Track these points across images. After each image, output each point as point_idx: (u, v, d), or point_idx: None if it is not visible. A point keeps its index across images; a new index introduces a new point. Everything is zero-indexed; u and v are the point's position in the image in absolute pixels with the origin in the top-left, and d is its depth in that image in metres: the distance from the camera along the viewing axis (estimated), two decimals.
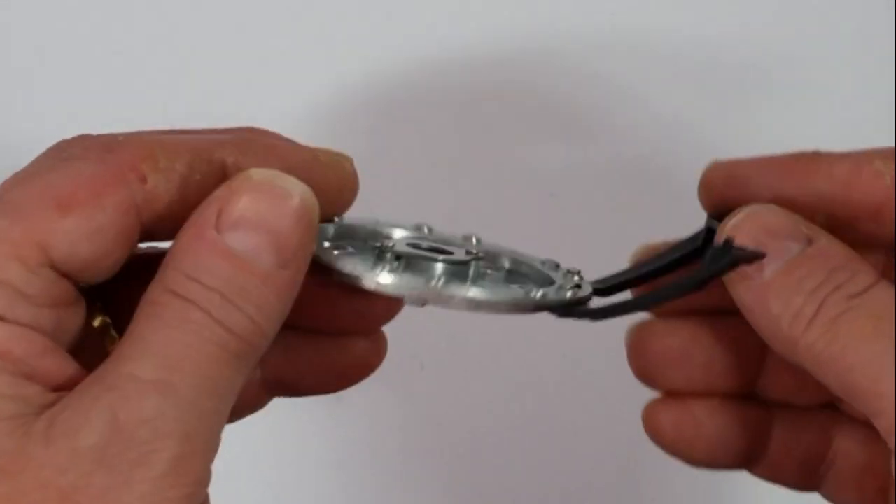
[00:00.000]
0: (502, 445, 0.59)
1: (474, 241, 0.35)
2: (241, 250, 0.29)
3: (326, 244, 0.32)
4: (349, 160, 0.34)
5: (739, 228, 0.33)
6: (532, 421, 0.58)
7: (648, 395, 0.37)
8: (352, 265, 0.31)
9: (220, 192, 0.30)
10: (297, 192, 0.30)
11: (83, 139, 0.31)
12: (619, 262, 0.37)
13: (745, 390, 0.37)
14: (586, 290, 0.34)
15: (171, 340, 0.28)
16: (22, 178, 0.30)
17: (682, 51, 0.56)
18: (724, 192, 0.35)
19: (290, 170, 0.31)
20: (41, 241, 0.29)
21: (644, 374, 0.37)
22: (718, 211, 0.35)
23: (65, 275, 0.30)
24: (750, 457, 0.37)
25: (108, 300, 0.34)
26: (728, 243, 0.33)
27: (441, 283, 0.31)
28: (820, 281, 0.32)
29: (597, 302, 0.35)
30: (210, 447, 0.28)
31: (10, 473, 0.27)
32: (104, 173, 0.30)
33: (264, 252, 0.29)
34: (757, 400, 0.36)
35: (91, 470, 0.27)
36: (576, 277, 0.35)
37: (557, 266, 0.36)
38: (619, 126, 0.55)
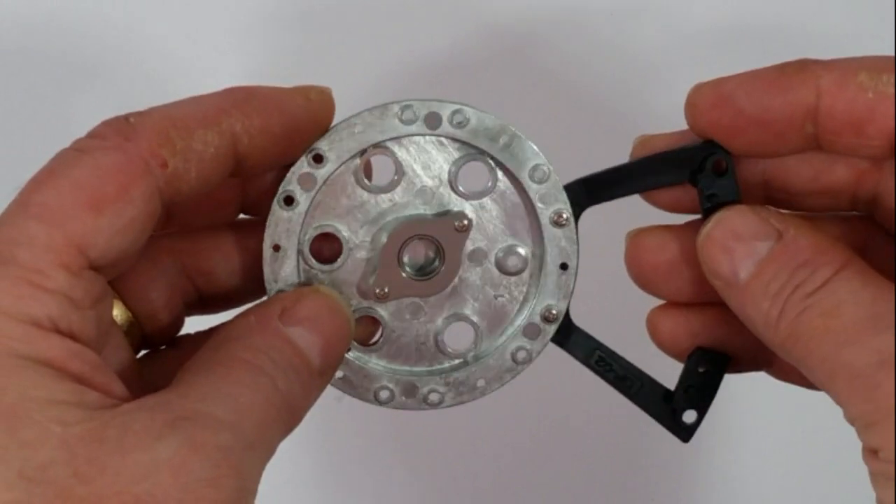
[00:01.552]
0: (502, 444, 0.61)
1: (457, 117, 0.37)
2: (299, 342, 0.33)
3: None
4: (330, 90, 0.36)
5: (710, 236, 0.34)
6: (533, 420, 0.59)
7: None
8: (357, 393, 0.38)
9: (287, 294, 0.35)
10: (348, 313, 0.35)
11: (96, 127, 0.32)
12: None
13: None
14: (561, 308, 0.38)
15: (242, 394, 0.31)
16: (46, 178, 0.30)
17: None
18: (710, 112, 0.35)
19: (291, 117, 0.34)
20: (80, 244, 0.30)
21: (640, 283, 0.38)
22: (707, 132, 0.35)
23: (99, 271, 0.31)
24: (756, 363, 0.38)
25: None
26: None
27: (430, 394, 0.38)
28: (783, 282, 0.32)
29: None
30: (256, 488, 0.30)
31: (87, 478, 0.28)
32: (128, 164, 0.31)
33: (315, 352, 0.33)
34: None
35: (167, 481, 0.28)
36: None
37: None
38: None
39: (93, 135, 0.32)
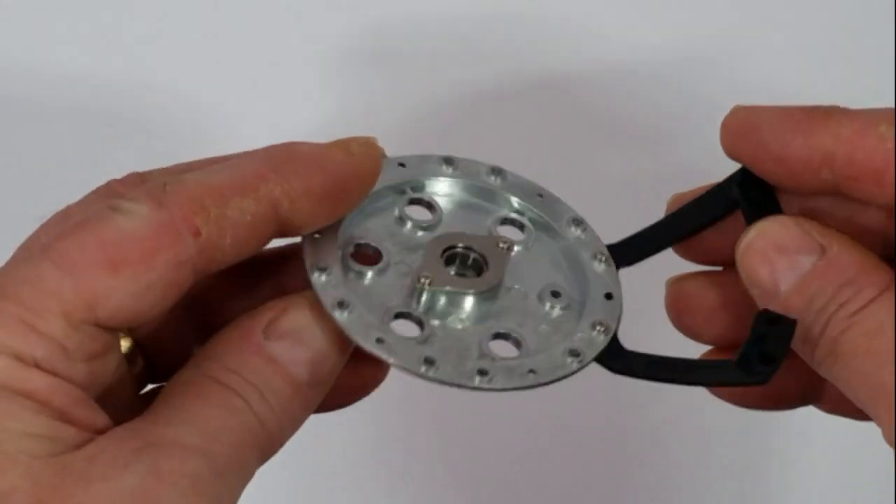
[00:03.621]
0: (505, 445, 0.60)
1: (497, 180, 0.38)
2: (282, 359, 0.32)
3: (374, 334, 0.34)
4: (375, 140, 0.35)
5: (751, 246, 0.34)
6: (535, 420, 0.59)
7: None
8: (398, 358, 0.33)
9: (275, 304, 0.33)
10: (342, 320, 0.33)
11: (131, 184, 0.32)
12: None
13: None
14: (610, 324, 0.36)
15: (213, 417, 0.30)
16: (74, 229, 0.31)
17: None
18: (737, 137, 0.36)
19: (332, 175, 0.33)
20: (89, 300, 0.30)
21: (682, 329, 0.39)
22: (733, 154, 0.36)
23: (108, 328, 0.30)
24: (805, 399, 0.38)
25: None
26: None
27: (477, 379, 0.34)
28: (827, 299, 0.33)
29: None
30: None
31: None
32: (157, 231, 0.30)
33: (301, 366, 0.32)
34: None
35: None
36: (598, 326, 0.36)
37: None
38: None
39: (129, 197, 0.32)
